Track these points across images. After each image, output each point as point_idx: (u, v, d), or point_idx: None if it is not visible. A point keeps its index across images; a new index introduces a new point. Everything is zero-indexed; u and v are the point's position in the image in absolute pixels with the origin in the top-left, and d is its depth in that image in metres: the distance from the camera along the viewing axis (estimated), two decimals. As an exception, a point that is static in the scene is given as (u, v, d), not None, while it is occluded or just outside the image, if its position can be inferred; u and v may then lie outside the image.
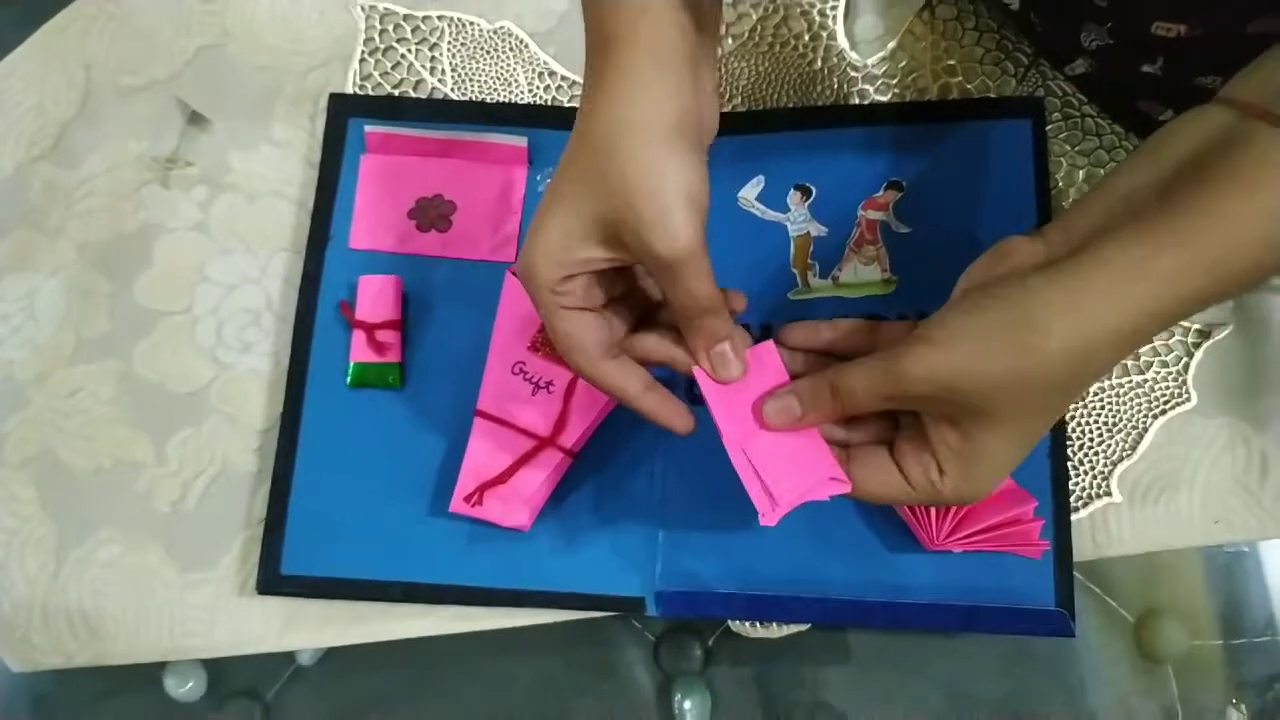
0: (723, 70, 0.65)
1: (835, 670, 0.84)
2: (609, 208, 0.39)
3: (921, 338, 0.39)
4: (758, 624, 0.59)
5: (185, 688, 0.87)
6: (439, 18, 0.67)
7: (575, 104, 0.65)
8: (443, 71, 0.66)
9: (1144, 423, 0.58)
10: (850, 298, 0.59)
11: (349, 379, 0.60)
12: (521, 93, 0.66)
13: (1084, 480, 0.58)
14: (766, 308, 0.60)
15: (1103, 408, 0.58)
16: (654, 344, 0.46)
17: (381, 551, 0.58)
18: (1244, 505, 0.57)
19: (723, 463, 0.58)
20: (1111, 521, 0.57)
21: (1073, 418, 0.58)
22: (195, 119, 0.67)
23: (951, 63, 0.63)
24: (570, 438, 0.56)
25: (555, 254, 0.41)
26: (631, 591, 0.57)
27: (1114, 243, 0.36)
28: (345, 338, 0.61)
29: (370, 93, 0.66)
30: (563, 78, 0.66)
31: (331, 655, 0.88)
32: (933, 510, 0.54)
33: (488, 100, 0.66)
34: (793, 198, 0.61)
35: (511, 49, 0.66)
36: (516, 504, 0.56)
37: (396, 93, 0.66)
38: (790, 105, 0.64)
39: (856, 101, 0.64)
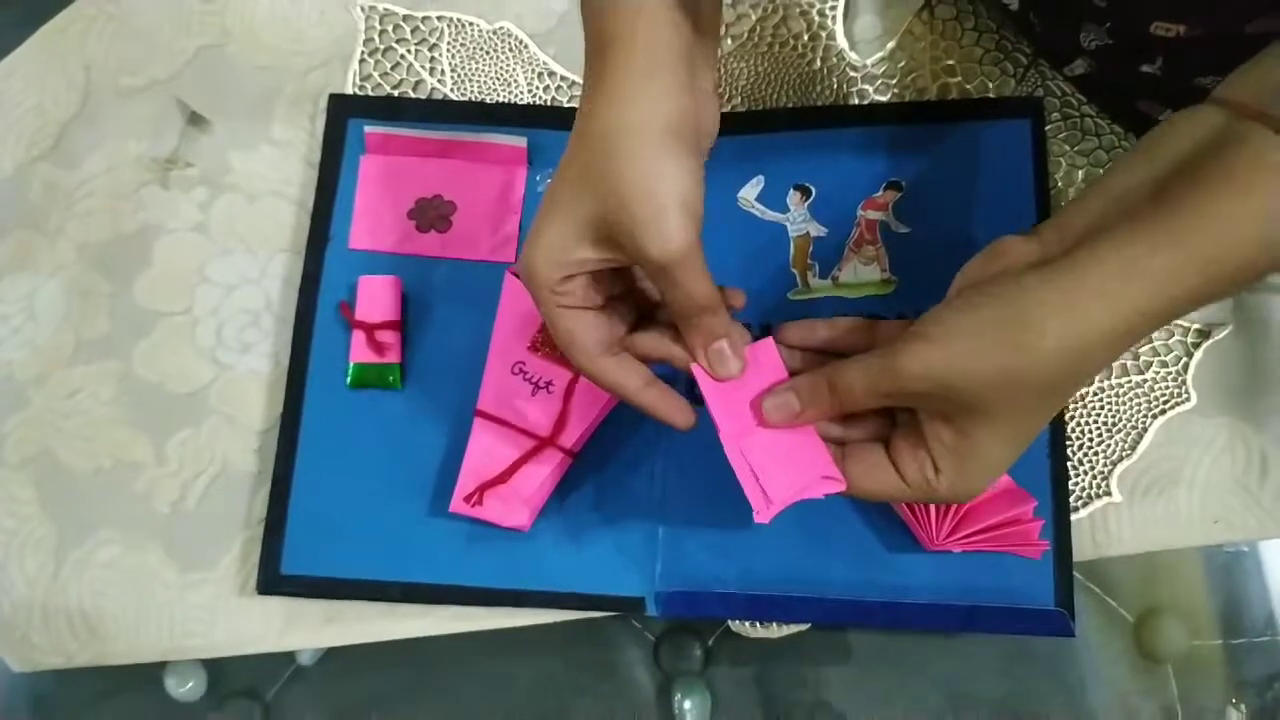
0: (722, 70, 0.65)
1: (835, 670, 0.84)
2: (605, 210, 0.40)
3: (917, 334, 0.39)
4: (758, 624, 0.59)
5: (185, 688, 0.87)
6: (439, 18, 0.67)
7: (575, 104, 0.65)
8: (442, 72, 0.66)
9: (1144, 422, 0.58)
10: (850, 298, 0.59)
11: (349, 379, 0.60)
12: (521, 93, 0.66)
13: (1084, 480, 0.58)
14: (766, 308, 0.60)
15: (1102, 407, 0.58)
16: (653, 342, 0.46)
17: (381, 551, 0.58)
18: (1244, 505, 0.57)
19: (723, 463, 0.58)
20: (1111, 521, 0.57)
21: (1072, 417, 0.58)
22: (195, 119, 0.67)
23: (951, 63, 0.64)
24: (570, 438, 0.56)
25: (554, 254, 0.41)
26: (631, 591, 0.57)
27: (1108, 242, 0.37)
28: (345, 338, 0.61)
29: (370, 93, 0.66)
30: (562, 78, 0.66)
31: (331, 655, 0.88)
32: (932, 510, 0.54)
33: (487, 101, 0.66)
34: (792, 198, 0.61)
35: (511, 49, 0.66)
36: (516, 504, 0.56)
37: (396, 93, 0.66)
38: (790, 105, 0.64)
39: (856, 101, 0.64)
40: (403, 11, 0.67)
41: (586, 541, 0.58)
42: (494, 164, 0.63)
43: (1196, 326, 0.58)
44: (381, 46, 0.67)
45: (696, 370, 0.45)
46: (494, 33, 0.67)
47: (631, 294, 0.47)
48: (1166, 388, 0.58)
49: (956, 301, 0.40)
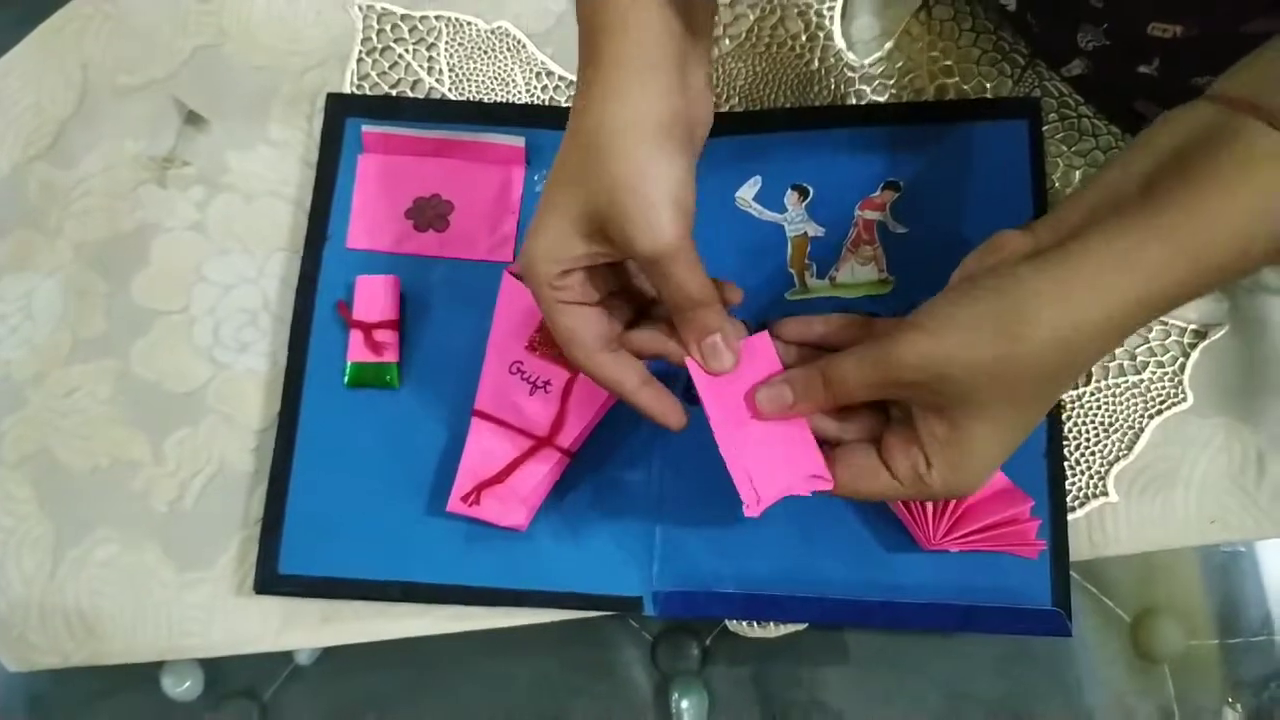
0: (720, 70, 0.65)
1: (833, 670, 0.84)
2: (597, 206, 0.40)
3: (913, 325, 0.39)
4: (755, 623, 0.59)
5: (182, 687, 0.87)
6: (436, 18, 0.67)
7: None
8: (440, 71, 0.66)
9: (1140, 423, 0.58)
10: (847, 298, 0.59)
11: (346, 379, 0.60)
12: (519, 93, 0.66)
13: (1080, 480, 0.58)
14: (764, 308, 0.60)
15: (1099, 408, 0.58)
16: (648, 338, 0.46)
17: (379, 551, 0.58)
18: (1240, 505, 0.57)
19: (720, 463, 0.58)
20: (1108, 521, 0.58)
21: (1069, 418, 0.58)
22: (192, 119, 0.67)
23: (948, 63, 0.64)
24: (568, 437, 0.56)
25: (551, 250, 0.42)
26: (629, 591, 0.57)
27: (1100, 234, 0.37)
28: (343, 337, 0.61)
29: (368, 92, 0.66)
30: (560, 78, 0.66)
31: (329, 655, 0.88)
32: (929, 510, 0.54)
33: (485, 100, 0.66)
34: (790, 198, 0.61)
35: (509, 49, 0.66)
36: (514, 504, 0.56)
37: (394, 93, 0.66)
38: (787, 105, 0.64)
39: (853, 102, 0.64)
40: (401, 11, 0.67)
41: (584, 541, 0.58)
42: (492, 163, 0.63)
43: (1193, 327, 0.58)
44: (379, 46, 0.67)
45: (690, 364, 0.45)
46: (492, 32, 0.67)
47: (628, 291, 0.47)
48: (1163, 388, 0.58)
49: (952, 294, 0.40)
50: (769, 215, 0.61)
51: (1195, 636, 0.85)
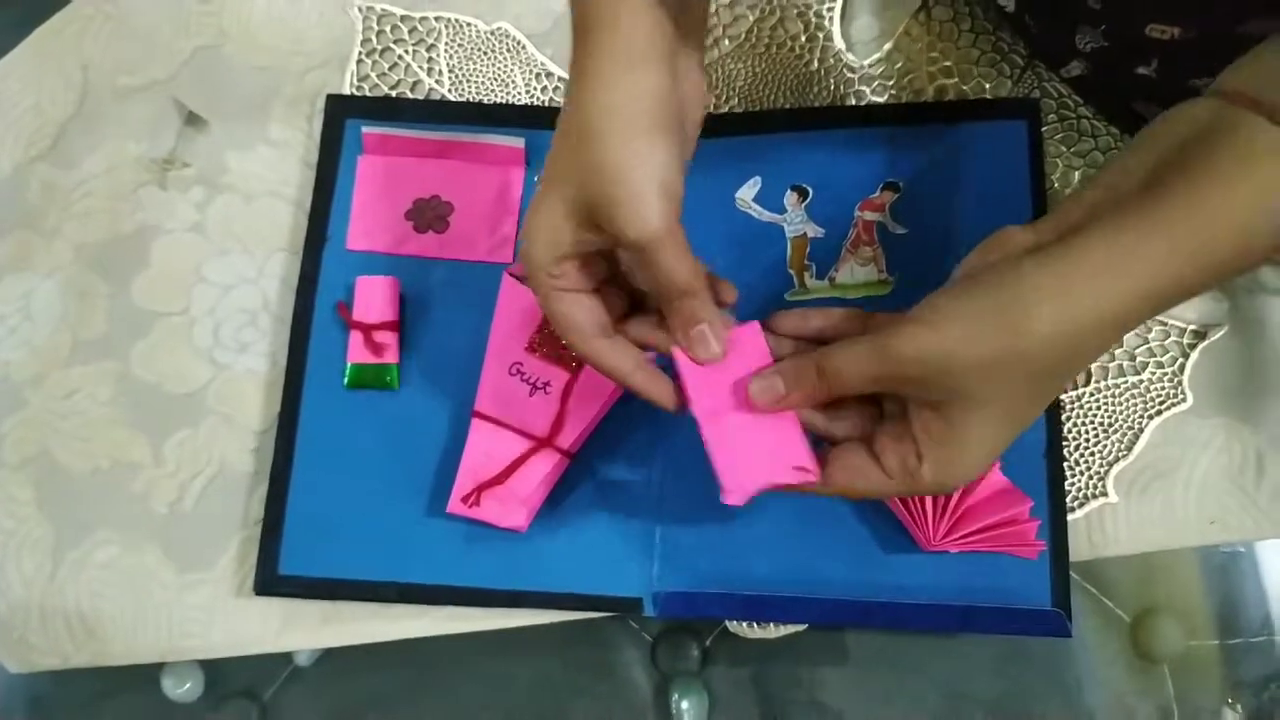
0: (719, 71, 0.65)
1: (832, 670, 0.84)
2: (587, 194, 0.41)
3: (913, 319, 0.39)
4: (755, 624, 0.59)
5: (183, 688, 0.87)
6: (436, 19, 0.67)
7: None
8: (440, 73, 0.66)
9: (1140, 423, 0.58)
10: (847, 298, 0.59)
11: (346, 380, 0.60)
12: (519, 94, 0.66)
13: (1080, 480, 0.58)
14: (763, 308, 0.60)
15: (1098, 408, 0.58)
16: (638, 328, 0.46)
17: (379, 552, 0.58)
18: (1240, 505, 0.57)
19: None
20: (1108, 521, 0.58)
21: (1069, 418, 0.58)
22: (192, 120, 0.67)
23: (947, 64, 0.64)
24: (568, 438, 0.56)
25: (546, 237, 0.42)
26: (629, 592, 0.57)
27: (1100, 230, 0.37)
28: (342, 339, 0.61)
29: (368, 94, 0.66)
30: (560, 79, 0.66)
31: (329, 656, 0.88)
32: (929, 510, 0.54)
33: (485, 101, 0.66)
34: (789, 198, 0.61)
35: (509, 50, 0.66)
36: (514, 505, 0.56)
37: (394, 94, 0.66)
38: (787, 106, 0.64)
39: (853, 102, 0.64)
40: (400, 12, 0.67)
41: (584, 542, 0.58)
42: (492, 164, 0.63)
43: (1193, 327, 0.58)
44: (379, 47, 0.67)
45: (676, 353, 0.45)
46: (492, 33, 0.67)
47: (622, 280, 0.47)
48: (1163, 388, 0.58)
49: (953, 289, 0.40)
50: (768, 216, 0.61)
51: (1195, 637, 0.85)
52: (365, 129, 0.63)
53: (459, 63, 0.67)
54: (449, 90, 0.66)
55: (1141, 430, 0.58)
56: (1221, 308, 0.59)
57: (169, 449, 0.62)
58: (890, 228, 0.60)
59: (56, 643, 0.61)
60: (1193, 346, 0.58)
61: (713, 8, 0.66)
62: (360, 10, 0.67)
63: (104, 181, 0.67)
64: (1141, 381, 0.58)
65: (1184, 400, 0.58)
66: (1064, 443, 0.57)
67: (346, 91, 0.66)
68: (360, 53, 0.67)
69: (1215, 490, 0.57)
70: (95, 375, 0.64)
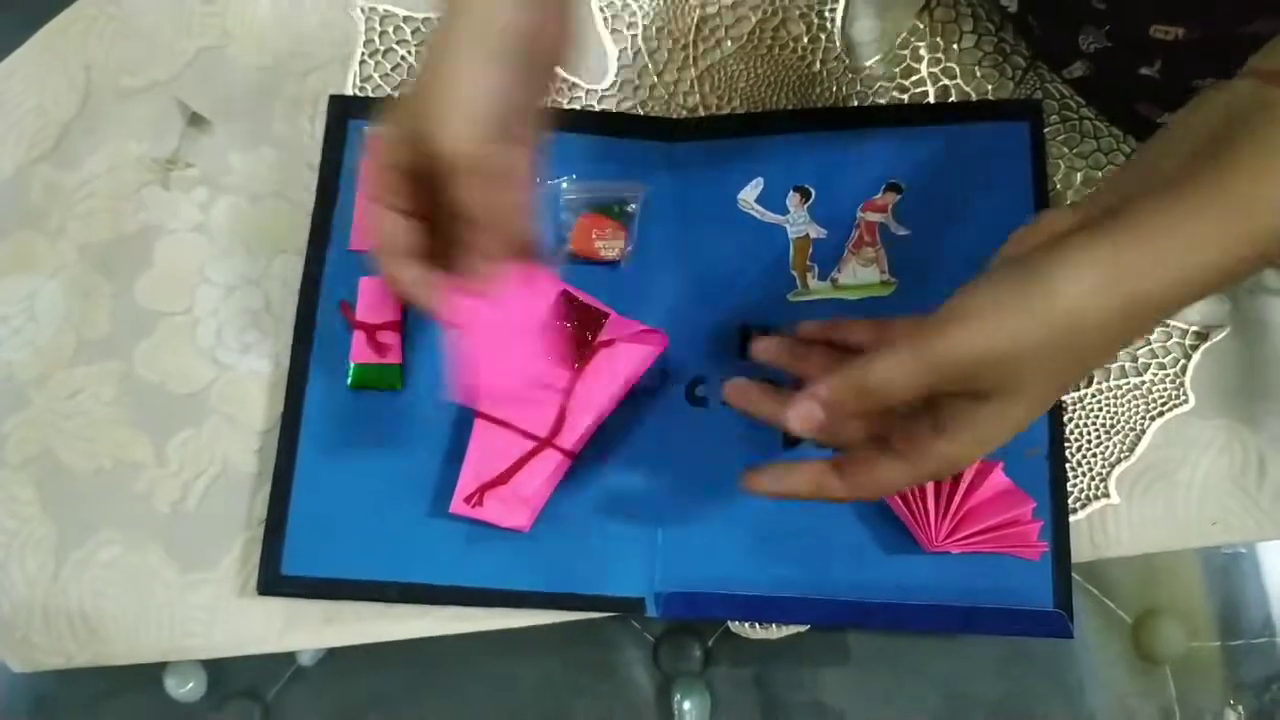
0: (722, 72, 0.65)
1: (834, 671, 0.84)
2: (415, 104, 0.42)
3: (961, 316, 0.37)
4: (757, 625, 0.59)
5: (185, 688, 0.87)
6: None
7: (574, 105, 0.65)
8: (443, 73, 0.66)
9: (1142, 424, 0.58)
10: (849, 299, 0.59)
11: (350, 380, 0.60)
12: (521, 94, 0.66)
13: (1082, 482, 0.58)
14: (765, 309, 0.60)
15: (1100, 409, 0.58)
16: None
17: (382, 552, 0.58)
18: (1241, 506, 0.57)
19: (722, 465, 0.58)
20: (1109, 523, 0.58)
21: (1070, 419, 0.58)
22: (195, 120, 0.67)
23: (950, 65, 0.64)
24: (570, 439, 0.57)
25: (380, 145, 0.44)
26: (631, 592, 0.57)
27: (1146, 211, 0.36)
28: (346, 339, 0.61)
29: (370, 94, 0.66)
30: (562, 79, 0.66)
31: (332, 656, 0.88)
32: (931, 512, 0.54)
33: (488, 102, 0.66)
34: (792, 199, 0.61)
35: (511, 51, 0.66)
36: (516, 505, 0.56)
37: (397, 94, 0.66)
38: (789, 107, 0.64)
39: (855, 104, 0.64)
40: (403, 13, 0.67)
41: (586, 542, 0.58)
42: (494, 165, 0.63)
43: (1194, 329, 0.58)
44: (382, 48, 0.67)
45: (458, 283, 0.45)
46: (494, 34, 0.67)
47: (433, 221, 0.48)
48: (1164, 389, 0.58)
49: (994, 276, 0.38)
50: (771, 217, 0.61)
51: (1196, 638, 0.86)
52: (368, 130, 0.63)
53: (462, 63, 0.67)
54: (452, 91, 0.66)
55: (1143, 431, 0.58)
56: (1223, 309, 0.59)
57: (172, 449, 0.62)
58: (892, 229, 0.60)
59: (59, 642, 0.61)
60: (1195, 347, 0.58)
61: (715, 9, 0.66)
62: (363, 11, 0.67)
63: (107, 182, 0.67)
64: (1143, 383, 0.58)
65: (1186, 401, 0.58)
66: (1066, 444, 0.57)
67: (349, 92, 0.66)
68: (363, 53, 0.67)
69: (1217, 491, 0.57)
70: (98, 375, 0.64)
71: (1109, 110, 0.61)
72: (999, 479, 0.55)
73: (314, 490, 0.59)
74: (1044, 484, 0.56)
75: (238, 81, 0.68)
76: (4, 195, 0.67)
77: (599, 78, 0.66)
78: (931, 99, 0.63)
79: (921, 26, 0.65)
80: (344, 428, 0.60)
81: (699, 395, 0.59)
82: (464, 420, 0.58)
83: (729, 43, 0.66)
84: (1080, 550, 0.57)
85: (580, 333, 0.58)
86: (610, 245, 0.60)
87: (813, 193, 0.61)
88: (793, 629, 0.59)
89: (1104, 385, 0.59)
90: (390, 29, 0.67)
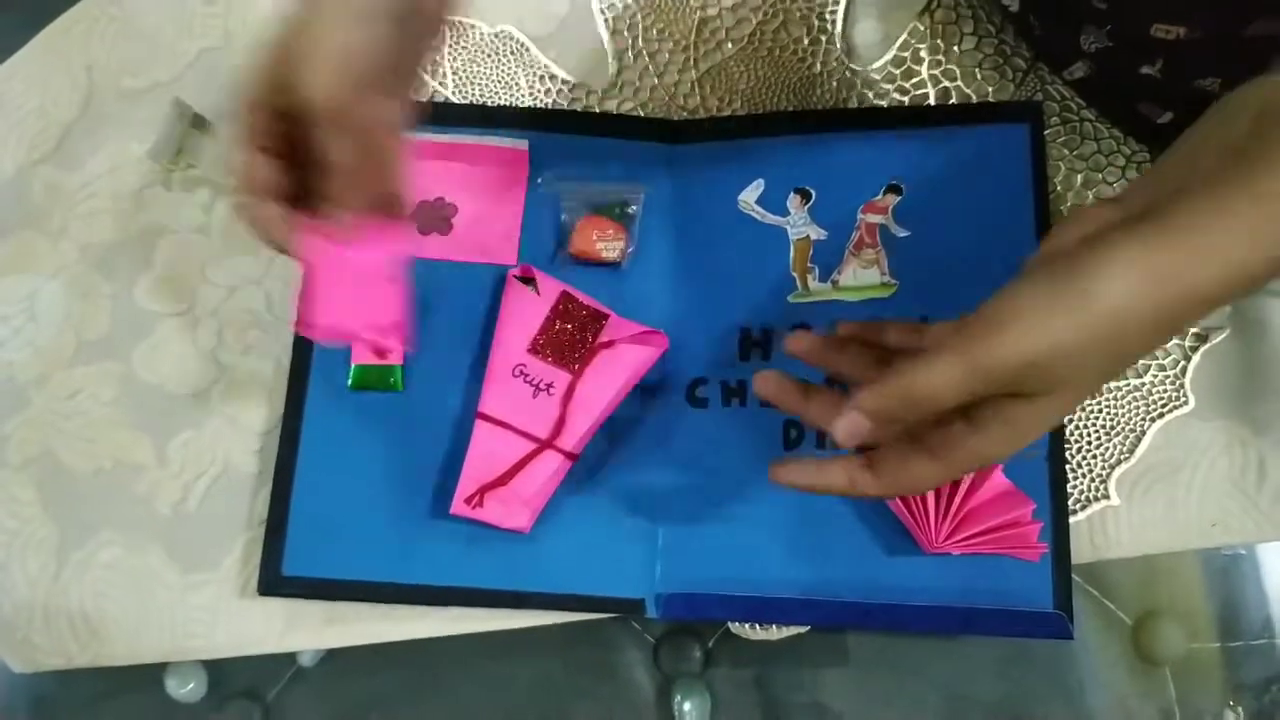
0: (723, 74, 0.65)
1: (834, 672, 0.84)
2: (286, 54, 0.43)
3: (1009, 319, 0.36)
4: (757, 626, 0.59)
5: (186, 688, 0.87)
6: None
7: (576, 107, 0.65)
8: (444, 75, 0.67)
9: (1142, 426, 0.58)
10: (850, 301, 0.59)
11: (350, 381, 0.60)
12: (522, 96, 0.66)
13: (1082, 483, 0.58)
14: (766, 310, 0.60)
15: (1100, 411, 0.58)
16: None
17: (382, 553, 0.58)
18: (1241, 508, 0.57)
19: (722, 467, 0.58)
20: (1109, 524, 0.58)
21: (1070, 421, 0.58)
22: (197, 121, 0.67)
23: (950, 67, 0.64)
24: (570, 440, 0.57)
25: (252, 84, 0.45)
26: (631, 593, 0.57)
27: (1192, 203, 0.35)
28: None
29: (371, 96, 0.66)
30: (563, 81, 0.66)
31: (332, 656, 0.88)
32: (931, 513, 0.54)
33: (488, 104, 0.66)
34: (792, 201, 0.61)
35: (512, 52, 0.67)
36: (517, 506, 0.56)
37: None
38: (790, 109, 0.64)
39: (856, 105, 0.64)
40: (404, 14, 0.67)
41: (587, 543, 0.58)
42: (495, 167, 0.63)
43: (1194, 330, 0.58)
44: (383, 49, 0.67)
45: (315, 225, 0.46)
46: (495, 36, 0.67)
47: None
48: (1165, 391, 0.58)
49: (1037, 276, 0.37)
50: (771, 218, 0.61)
51: (1196, 639, 0.86)
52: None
53: (462, 65, 0.67)
54: (452, 92, 0.66)
55: (1143, 433, 0.58)
56: (1223, 311, 0.59)
57: (173, 450, 0.63)
58: (893, 230, 0.60)
59: (60, 643, 0.61)
60: (1194, 349, 0.58)
61: (716, 11, 0.66)
62: (364, 12, 0.67)
63: (108, 182, 0.67)
64: (1143, 384, 0.58)
65: (1186, 403, 0.58)
66: (1066, 445, 0.57)
67: (350, 93, 0.66)
68: (364, 55, 0.67)
69: (1217, 493, 0.57)
70: (99, 376, 0.64)
71: (1110, 111, 0.61)
72: (999, 480, 0.55)
73: (315, 491, 0.59)
74: (1044, 485, 0.56)
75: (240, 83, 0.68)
76: (5, 196, 0.67)
77: (600, 79, 0.66)
78: (932, 101, 0.63)
79: (922, 28, 0.65)
80: (345, 429, 0.60)
81: (699, 396, 0.59)
82: (465, 421, 0.58)
83: (730, 45, 0.66)
84: (1080, 551, 0.57)
85: (581, 334, 0.58)
86: (611, 246, 0.60)
87: (813, 194, 0.61)
88: (793, 630, 0.59)
89: (1104, 387, 0.59)
90: (391, 30, 0.67)
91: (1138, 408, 0.58)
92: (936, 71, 0.64)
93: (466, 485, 0.57)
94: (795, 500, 0.57)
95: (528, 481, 0.56)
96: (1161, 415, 0.58)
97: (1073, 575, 0.55)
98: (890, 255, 0.60)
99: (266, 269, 0.64)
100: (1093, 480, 0.58)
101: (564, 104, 0.66)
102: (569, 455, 0.57)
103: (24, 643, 0.61)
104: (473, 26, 0.67)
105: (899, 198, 0.60)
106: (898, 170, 0.61)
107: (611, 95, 0.66)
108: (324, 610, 0.60)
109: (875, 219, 0.60)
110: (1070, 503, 0.57)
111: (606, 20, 0.66)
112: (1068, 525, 0.56)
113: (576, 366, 0.57)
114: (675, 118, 0.65)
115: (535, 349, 0.58)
